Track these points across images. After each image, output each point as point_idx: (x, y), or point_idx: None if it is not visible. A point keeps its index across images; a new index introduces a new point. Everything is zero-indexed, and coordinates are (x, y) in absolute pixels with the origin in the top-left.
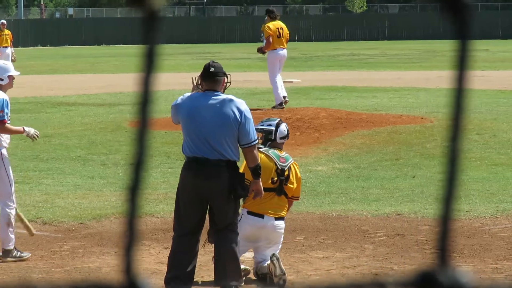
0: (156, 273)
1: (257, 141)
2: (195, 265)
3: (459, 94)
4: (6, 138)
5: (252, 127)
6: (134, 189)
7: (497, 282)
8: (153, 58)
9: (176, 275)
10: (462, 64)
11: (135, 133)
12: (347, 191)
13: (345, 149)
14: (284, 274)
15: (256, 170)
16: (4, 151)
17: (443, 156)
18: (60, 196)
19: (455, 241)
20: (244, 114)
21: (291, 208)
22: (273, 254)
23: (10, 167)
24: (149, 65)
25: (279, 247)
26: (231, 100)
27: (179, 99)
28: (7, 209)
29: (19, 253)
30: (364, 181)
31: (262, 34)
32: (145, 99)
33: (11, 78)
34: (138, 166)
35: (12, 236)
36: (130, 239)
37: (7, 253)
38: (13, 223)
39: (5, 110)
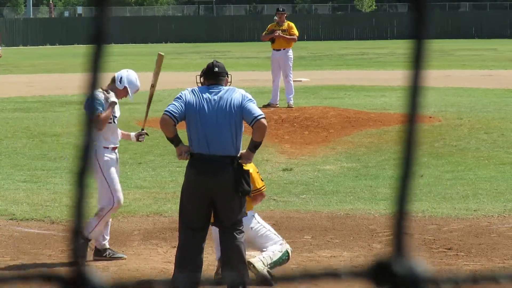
0: (164, 272)
1: (263, 115)
2: (201, 264)
3: (414, 92)
4: (108, 137)
5: (255, 106)
6: (81, 173)
7: (455, 272)
8: (99, 58)
9: (183, 274)
10: (417, 63)
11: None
12: (355, 190)
13: (354, 148)
14: (260, 271)
15: (257, 145)
16: (106, 153)
17: (451, 155)
18: (68, 195)
19: (462, 240)
20: (245, 96)
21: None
22: (249, 262)
23: (112, 168)
24: (95, 65)
25: (270, 243)
26: (232, 89)
27: (183, 93)
28: (102, 205)
29: (112, 252)
30: (372, 180)
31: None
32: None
33: (125, 90)
34: (85, 153)
35: (96, 228)
36: (76, 228)
37: (99, 252)
38: (104, 218)
39: (97, 105)
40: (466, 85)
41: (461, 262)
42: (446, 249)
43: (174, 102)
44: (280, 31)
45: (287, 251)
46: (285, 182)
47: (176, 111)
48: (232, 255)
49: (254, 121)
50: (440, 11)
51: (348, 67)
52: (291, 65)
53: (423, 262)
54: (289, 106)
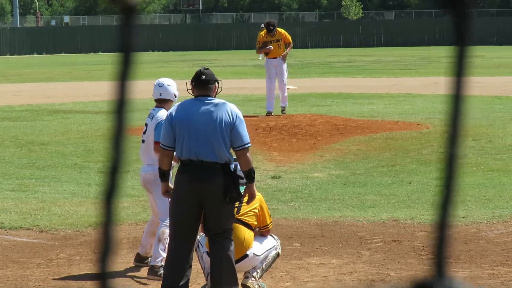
0: (152, 281)
1: (250, 144)
2: (190, 272)
3: (457, 100)
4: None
5: (244, 130)
6: (109, 195)
7: None
8: (128, 65)
9: (171, 283)
10: (460, 70)
11: (110, 140)
12: (343, 197)
13: (342, 155)
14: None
15: (249, 174)
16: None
17: (440, 163)
18: (56, 204)
19: (452, 249)
20: (237, 116)
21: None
22: (245, 285)
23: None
24: (124, 73)
25: (270, 255)
26: (224, 104)
27: (169, 114)
28: (163, 226)
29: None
30: (360, 187)
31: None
32: (120, 107)
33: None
34: (114, 172)
35: (163, 254)
36: (106, 247)
37: (153, 269)
38: (165, 241)
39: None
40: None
41: (451, 273)
42: (434, 256)
43: (163, 128)
44: (273, 42)
45: (278, 253)
46: (273, 190)
47: (168, 139)
48: (222, 264)
49: (239, 148)
50: (427, 19)
51: (335, 74)
52: (286, 69)
53: (465, 282)
54: (283, 113)
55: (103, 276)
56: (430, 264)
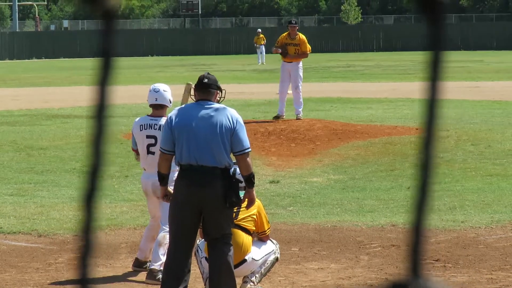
0: (151, 286)
1: (250, 149)
2: (188, 277)
3: (431, 104)
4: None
5: (245, 135)
6: (89, 199)
7: None
8: (108, 70)
9: (169, 287)
10: (435, 74)
11: (91, 144)
12: (342, 202)
13: (340, 160)
14: None
15: (249, 179)
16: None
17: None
18: (55, 208)
19: (450, 252)
20: (237, 121)
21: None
22: None
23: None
24: (104, 77)
25: (268, 259)
26: (224, 109)
27: (169, 118)
28: (164, 231)
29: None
30: (359, 192)
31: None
32: (100, 111)
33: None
34: (94, 175)
35: (163, 258)
36: (86, 250)
37: (152, 273)
38: (165, 246)
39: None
40: (453, 97)
41: (449, 274)
42: (433, 260)
43: (162, 132)
44: (291, 45)
45: (276, 258)
46: (272, 195)
47: (167, 143)
48: (221, 269)
49: (239, 153)
50: (426, 23)
51: (334, 79)
52: (301, 75)
53: (440, 282)
54: (297, 118)
55: (83, 281)
56: (406, 265)
